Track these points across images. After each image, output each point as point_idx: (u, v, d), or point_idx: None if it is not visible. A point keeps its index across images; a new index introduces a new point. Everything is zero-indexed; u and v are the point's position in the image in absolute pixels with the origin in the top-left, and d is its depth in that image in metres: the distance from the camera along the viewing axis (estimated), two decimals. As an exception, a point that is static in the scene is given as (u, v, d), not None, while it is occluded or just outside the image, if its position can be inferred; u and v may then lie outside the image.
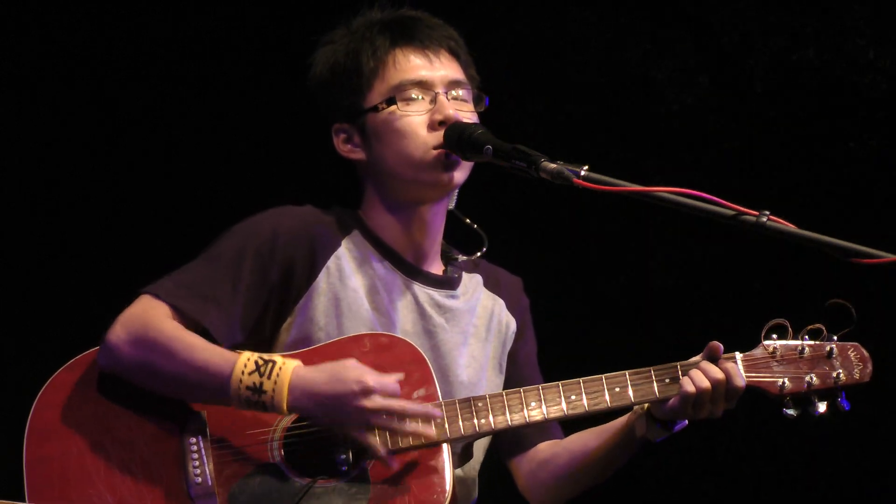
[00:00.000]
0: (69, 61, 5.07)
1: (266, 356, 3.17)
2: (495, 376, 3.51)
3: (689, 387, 3.23)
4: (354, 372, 3.15)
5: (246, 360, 3.15)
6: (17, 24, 5.03)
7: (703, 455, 5.39)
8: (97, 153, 5.11)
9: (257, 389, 3.12)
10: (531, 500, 3.56)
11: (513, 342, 3.56)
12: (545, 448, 3.53)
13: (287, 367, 3.14)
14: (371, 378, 3.13)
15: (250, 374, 3.13)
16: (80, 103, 5.09)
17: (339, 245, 3.38)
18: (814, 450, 5.35)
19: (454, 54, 3.45)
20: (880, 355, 3.40)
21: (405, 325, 3.37)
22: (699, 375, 3.23)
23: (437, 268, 3.49)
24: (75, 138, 5.09)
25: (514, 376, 3.54)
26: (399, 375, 3.19)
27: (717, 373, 3.24)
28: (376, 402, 3.12)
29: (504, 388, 3.51)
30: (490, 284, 3.56)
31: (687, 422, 3.32)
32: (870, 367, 3.35)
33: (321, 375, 3.15)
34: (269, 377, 3.13)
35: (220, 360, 3.16)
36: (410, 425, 3.16)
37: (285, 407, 3.12)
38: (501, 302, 3.56)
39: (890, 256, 2.86)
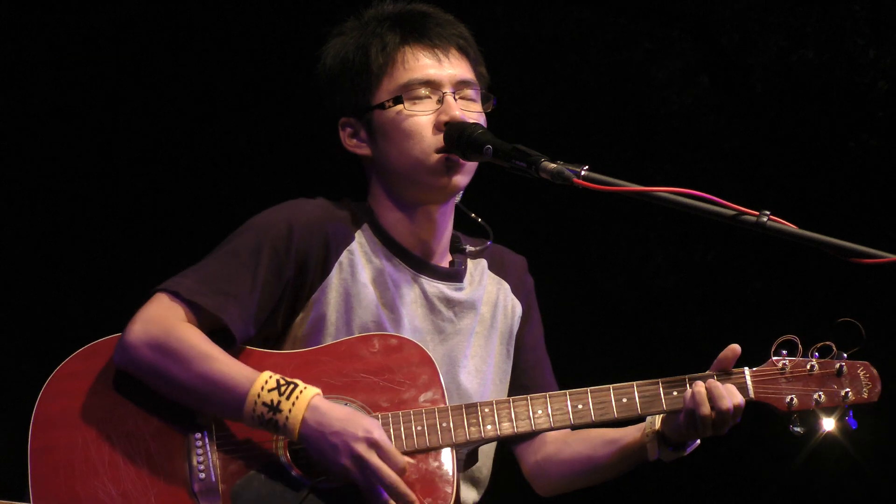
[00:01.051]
0: (69, 61, 5.07)
1: (288, 378, 3.15)
2: (503, 363, 3.49)
3: (690, 403, 3.22)
4: (368, 422, 3.12)
5: (268, 377, 3.13)
6: (17, 24, 5.04)
7: (704, 455, 5.39)
8: (98, 153, 5.12)
9: (274, 408, 3.11)
10: (535, 488, 3.55)
11: (519, 326, 3.55)
12: (552, 440, 3.51)
13: (307, 392, 3.12)
14: (380, 434, 3.11)
15: (270, 391, 3.11)
16: (80, 103, 5.10)
17: (352, 240, 3.36)
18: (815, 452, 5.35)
19: (463, 52, 3.40)
20: (880, 355, 3.40)
21: (414, 321, 3.36)
22: (702, 396, 3.22)
23: (445, 261, 3.47)
24: (76, 138, 5.10)
25: (522, 361, 3.52)
26: (410, 460, 3.17)
27: (719, 398, 3.22)
28: (374, 459, 3.09)
29: (512, 374, 3.50)
30: (495, 267, 3.54)
31: (699, 442, 3.31)
32: (879, 386, 3.31)
33: (338, 412, 3.12)
34: (288, 398, 3.11)
35: (239, 375, 3.14)
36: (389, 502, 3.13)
37: (297, 432, 3.09)
38: (507, 286, 3.53)
39: (890, 256, 2.86)
